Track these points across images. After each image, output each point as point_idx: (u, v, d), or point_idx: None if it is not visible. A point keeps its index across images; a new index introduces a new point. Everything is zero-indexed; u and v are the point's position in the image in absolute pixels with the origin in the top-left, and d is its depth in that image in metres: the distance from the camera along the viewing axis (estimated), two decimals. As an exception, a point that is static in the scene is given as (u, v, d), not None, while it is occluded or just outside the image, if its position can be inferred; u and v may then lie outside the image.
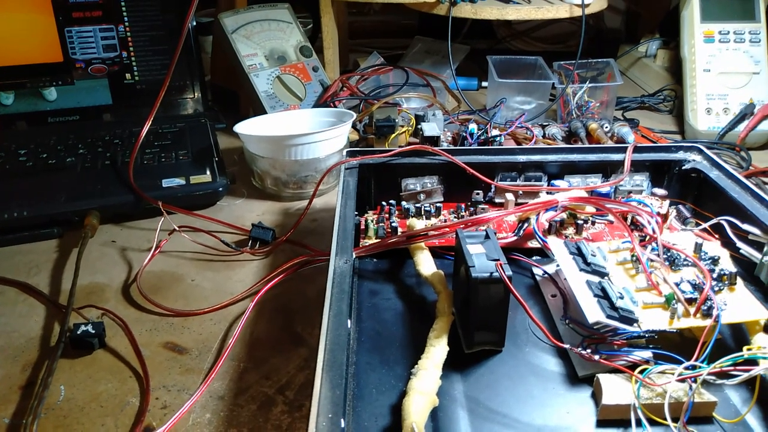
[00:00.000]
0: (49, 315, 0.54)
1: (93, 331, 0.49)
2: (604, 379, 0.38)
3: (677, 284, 0.43)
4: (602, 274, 0.44)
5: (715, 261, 0.46)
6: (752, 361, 0.37)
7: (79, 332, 0.49)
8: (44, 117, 0.81)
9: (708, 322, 0.40)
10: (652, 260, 0.45)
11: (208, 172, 0.71)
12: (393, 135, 0.75)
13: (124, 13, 0.81)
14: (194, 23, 0.83)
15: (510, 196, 0.58)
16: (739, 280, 0.43)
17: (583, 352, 0.40)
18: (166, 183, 0.69)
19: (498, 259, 0.41)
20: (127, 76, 0.83)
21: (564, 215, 0.55)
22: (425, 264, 0.48)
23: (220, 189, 0.71)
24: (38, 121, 0.80)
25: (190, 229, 0.65)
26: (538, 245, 0.52)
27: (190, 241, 0.63)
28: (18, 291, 0.57)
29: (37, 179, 0.69)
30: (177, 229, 0.63)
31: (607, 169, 0.60)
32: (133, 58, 0.83)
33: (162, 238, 0.63)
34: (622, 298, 0.41)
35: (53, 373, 0.46)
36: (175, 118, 0.83)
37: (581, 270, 0.44)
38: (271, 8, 0.92)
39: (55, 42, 0.79)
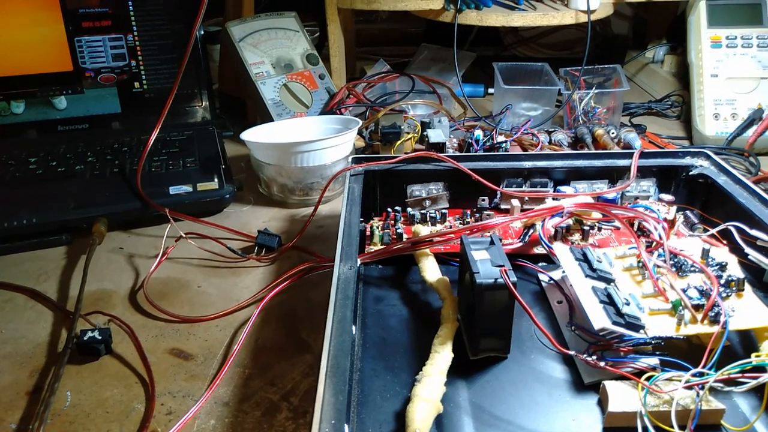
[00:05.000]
0: (57, 321, 0.54)
1: (99, 337, 0.49)
2: (610, 386, 0.38)
3: (684, 290, 0.42)
4: (608, 281, 0.44)
5: (722, 267, 0.45)
6: (761, 368, 0.36)
7: (85, 338, 0.49)
8: (54, 125, 0.82)
9: (715, 329, 0.39)
10: (658, 266, 0.45)
11: (215, 180, 0.72)
12: (399, 142, 0.75)
13: (133, 23, 0.82)
14: (202, 32, 0.84)
15: (516, 203, 0.58)
16: (747, 287, 0.43)
17: (589, 358, 0.39)
18: (173, 190, 0.70)
19: (503, 265, 0.41)
20: (136, 84, 0.84)
21: (570, 221, 0.55)
22: (430, 270, 0.48)
23: (227, 196, 0.71)
24: (48, 129, 0.81)
25: (197, 235, 0.65)
26: (544, 251, 0.52)
27: (196, 248, 0.63)
28: (26, 297, 0.57)
29: (46, 187, 0.70)
30: (184, 235, 0.64)
31: (614, 175, 0.60)
32: (141, 67, 0.83)
33: (169, 244, 0.64)
34: (628, 304, 0.41)
35: (60, 378, 0.46)
36: (182, 126, 0.84)
37: (587, 276, 0.44)
38: (278, 17, 0.93)
39: (65, 51, 0.80)
